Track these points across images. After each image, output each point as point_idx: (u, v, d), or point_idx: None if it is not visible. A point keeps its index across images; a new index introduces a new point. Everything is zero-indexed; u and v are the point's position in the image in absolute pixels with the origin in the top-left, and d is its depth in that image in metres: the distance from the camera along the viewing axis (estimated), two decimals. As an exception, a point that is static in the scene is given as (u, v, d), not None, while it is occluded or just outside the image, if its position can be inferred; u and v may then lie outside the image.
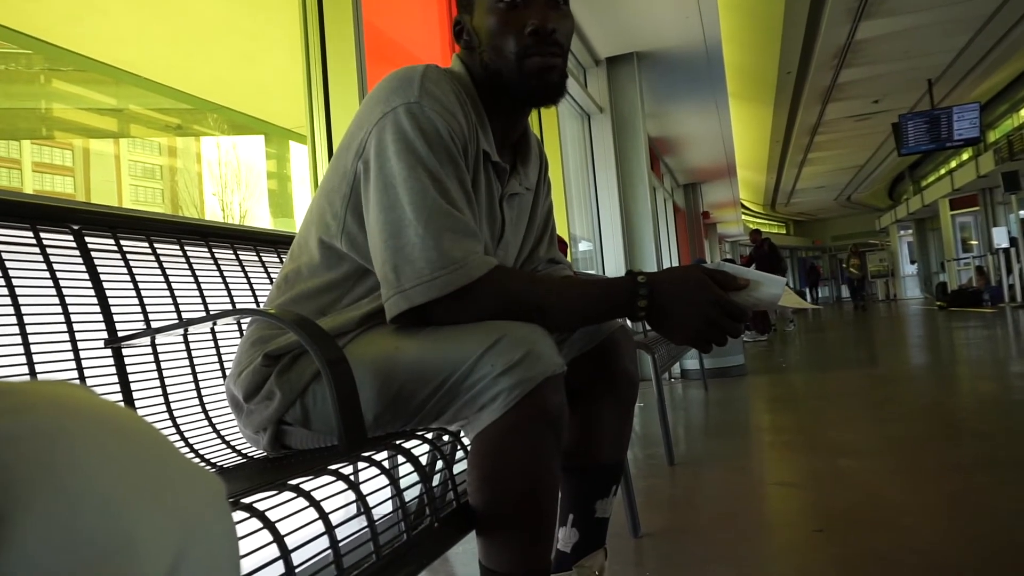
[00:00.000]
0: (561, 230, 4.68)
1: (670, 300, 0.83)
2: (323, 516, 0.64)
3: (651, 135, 7.60)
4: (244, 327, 1.14)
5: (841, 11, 8.29)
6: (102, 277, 0.98)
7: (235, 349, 1.00)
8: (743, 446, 2.80)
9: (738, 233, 19.26)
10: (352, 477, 0.72)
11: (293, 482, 0.66)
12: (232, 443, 1.06)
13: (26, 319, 0.86)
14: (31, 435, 0.24)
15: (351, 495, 0.69)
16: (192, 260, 1.15)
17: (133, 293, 1.02)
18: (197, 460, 1.00)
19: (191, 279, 1.14)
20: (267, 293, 1.23)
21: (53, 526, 0.23)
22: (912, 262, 23.61)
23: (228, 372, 1.02)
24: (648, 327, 2.16)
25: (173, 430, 1.02)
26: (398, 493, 0.75)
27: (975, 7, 8.77)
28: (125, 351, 0.98)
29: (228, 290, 1.21)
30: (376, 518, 0.68)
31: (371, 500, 0.69)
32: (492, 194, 0.97)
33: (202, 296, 1.15)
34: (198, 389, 1.08)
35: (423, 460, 0.84)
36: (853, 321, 11.92)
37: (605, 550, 1.09)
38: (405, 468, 0.80)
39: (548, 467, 0.80)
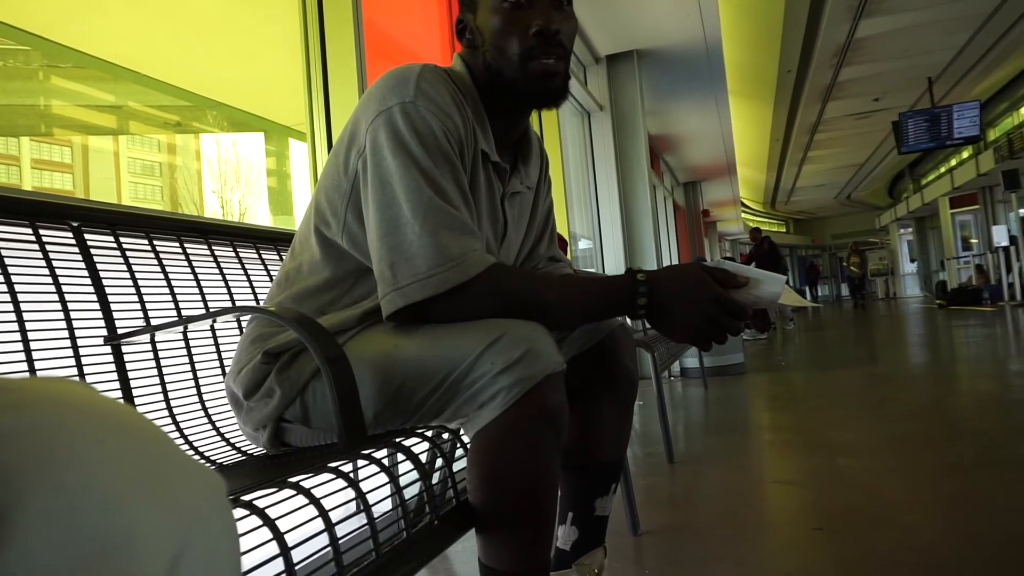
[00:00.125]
0: (561, 228, 4.68)
1: (670, 298, 0.82)
2: (323, 513, 0.64)
3: (651, 133, 7.60)
4: (244, 324, 1.14)
5: (841, 9, 8.28)
6: (101, 274, 0.98)
7: (235, 346, 1.00)
8: (743, 444, 2.81)
9: (738, 231, 19.26)
10: (352, 475, 0.72)
11: (293, 479, 0.66)
12: (232, 440, 1.06)
13: (25, 316, 0.86)
14: (31, 432, 0.24)
15: (351, 492, 0.69)
16: (192, 257, 1.15)
17: (133, 290, 1.02)
18: (197, 457, 1.00)
19: (191, 276, 1.14)
20: (267, 290, 1.22)
21: (53, 523, 0.23)
22: (912, 260, 23.61)
23: (228, 369, 1.02)
24: (648, 325, 2.16)
25: (173, 427, 1.02)
26: (398, 491, 0.74)
27: (975, 5, 8.76)
28: (125, 348, 0.98)
29: (228, 287, 1.21)
30: (376, 515, 0.68)
31: (371, 498, 0.69)
32: (493, 193, 0.97)
33: (202, 293, 1.15)
34: (198, 386, 1.08)
35: (423, 458, 0.84)
36: (853, 320, 11.93)
37: (605, 548, 1.09)
38: (405, 466, 0.80)
39: (548, 465, 0.80)
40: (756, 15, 7.97)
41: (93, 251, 0.98)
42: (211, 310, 1.14)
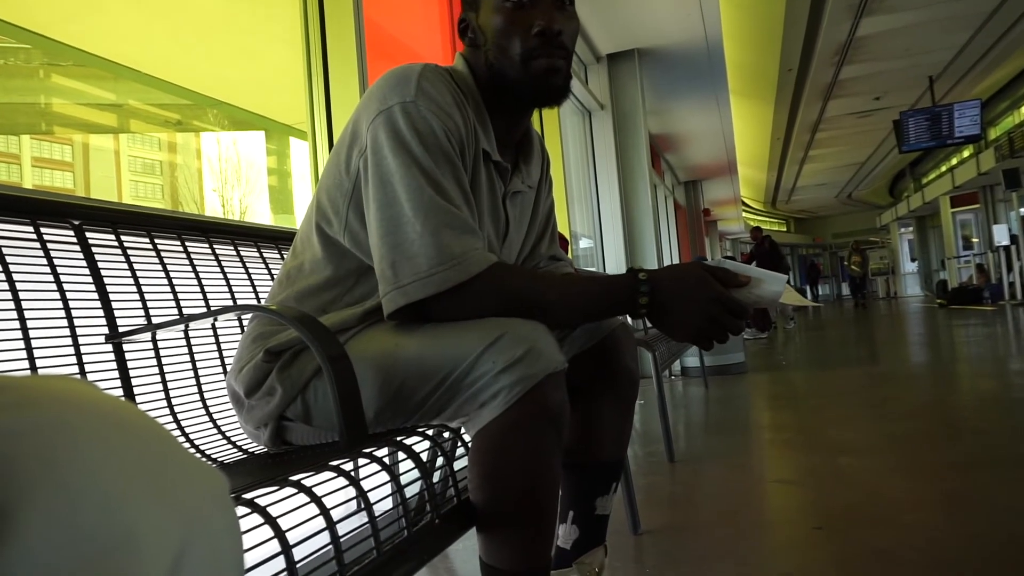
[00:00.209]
0: (562, 227, 4.68)
1: (671, 297, 0.82)
2: (324, 512, 0.64)
3: (652, 132, 7.59)
4: (245, 323, 1.14)
5: (842, 8, 8.28)
6: (103, 272, 0.98)
7: (236, 345, 1.00)
8: (743, 443, 2.81)
9: (739, 230, 19.26)
10: (353, 473, 0.72)
11: (294, 478, 0.66)
12: (233, 439, 1.06)
13: (27, 314, 0.86)
14: (33, 430, 0.24)
15: (352, 491, 0.69)
16: (193, 256, 1.15)
17: (134, 289, 1.02)
18: (198, 456, 1.00)
19: (192, 275, 1.14)
20: (268, 289, 1.22)
21: (54, 521, 0.23)
22: (913, 260, 23.60)
23: (229, 368, 1.02)
24: (649, 324, 2.16)
25: (174, 425, 1.02)
26: (399, 489, 0.75)
27: (976, 4, 8.76)
28: (126, 347, 0.98)
29: (229, 286, 1.21)
30: (377, 514, 0.68)
31: (372, 496, 0.69)
32: (495, 193, 0.97)
33: (203, 292, 1.15)
34: (199, 385, 1.08)
35: (424, 457, 0.84)
36: (854, 319, 11.92)
37: (605, 547, 1.09)
38: (406, 464, 0.80)
39: (549, 464, 0.80)
40: (757, 14, 7.97)
41: (94, 249, 0.98)
42: (212, 308, 1.14)
